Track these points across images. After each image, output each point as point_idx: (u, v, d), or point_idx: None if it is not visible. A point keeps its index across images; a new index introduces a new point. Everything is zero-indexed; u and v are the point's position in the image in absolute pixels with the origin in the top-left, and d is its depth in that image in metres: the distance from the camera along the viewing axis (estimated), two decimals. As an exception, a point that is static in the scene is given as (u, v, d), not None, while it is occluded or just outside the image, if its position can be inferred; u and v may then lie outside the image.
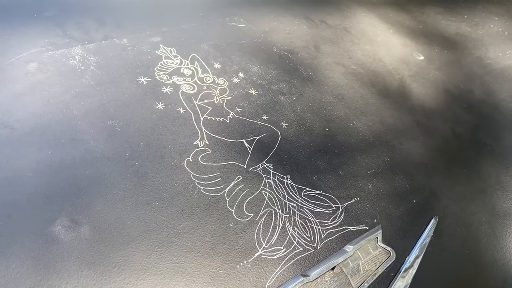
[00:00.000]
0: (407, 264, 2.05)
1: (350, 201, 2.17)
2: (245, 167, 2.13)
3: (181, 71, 2.55)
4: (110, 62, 2.48)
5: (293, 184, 2.12)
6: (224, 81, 2.56)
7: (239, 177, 2.09)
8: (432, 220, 2.25)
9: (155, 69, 2.52)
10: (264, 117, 2.39)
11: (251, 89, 2.56)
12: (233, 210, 1.97)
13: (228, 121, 2.32)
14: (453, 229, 2.25)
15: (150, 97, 2.35)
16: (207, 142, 2.20)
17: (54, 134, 2.05)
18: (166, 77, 2.49)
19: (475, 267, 2.17)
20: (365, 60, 3.13)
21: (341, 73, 2.91)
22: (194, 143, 2.17)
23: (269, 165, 2.17)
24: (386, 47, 3.38)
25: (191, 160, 2.09)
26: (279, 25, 3.17)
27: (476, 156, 2.72)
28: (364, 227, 2.09)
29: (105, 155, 2.01)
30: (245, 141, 2.25)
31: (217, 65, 2.65)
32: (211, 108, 2.37)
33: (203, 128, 2.25)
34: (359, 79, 2.91)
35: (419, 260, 2.08)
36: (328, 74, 2.86)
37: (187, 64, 2.60)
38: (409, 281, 1.99)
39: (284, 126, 2.39)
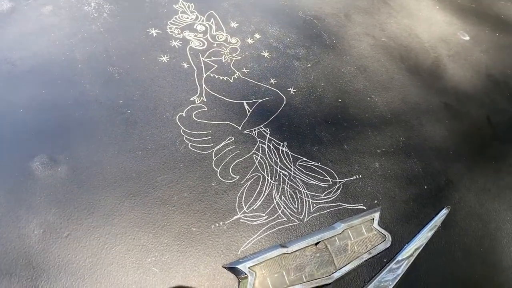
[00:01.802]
0: (404, 253, 1.85)
1: (350, 177, 2.01)
2: (239, 128, 2.01)
3: (194, 27, 2.45)
4: (124, 12, 2.43)
5: (289, 152, 1.98)
6: (237, 41, 2.43)
7: (231, 138, 1.99)
8: (444, 210, 2.02)
9: (168, 22, 2.44)
10: (272, 81, 2.24)
11: (264, 51, 2.41)
12: (218, 170, 1.88)
13: (231, 81, 2.21)
14: (467, 223, 2.01)
15: (156, 49, 2.28)
16: (205, 100, 2.10)
17: (53, 74, 2.05)
18: (178, 31, 2.41)
19: (488, 268, 1.93)
20: (400, 34, 2.85)
21: (369, 44, 2.67)
22: (191, 99, 2.08)
23: (267, 130, 2.05)
24: (427, 23, 3.06)
25: (184, 115, 2.01)
26: (310, -10, 2.95)
27: (512, 150, 2.39)
28: (362, 207, 1.93)
29: (98, 99, 1.99)
30: (246, 102, 2.13)
31: (233, 24, 2.52)
32: (216, 66, 2.26)
33: (204, 85, 2.15)
34: (388, 52, 2.65)
35: (419, 251, 1.86)
36: (354, 43, 2.63)
37: (202, 21, 2.50)
38: (403, 271, 1.78)
39: (291, 92, 2.23)
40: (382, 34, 2.83)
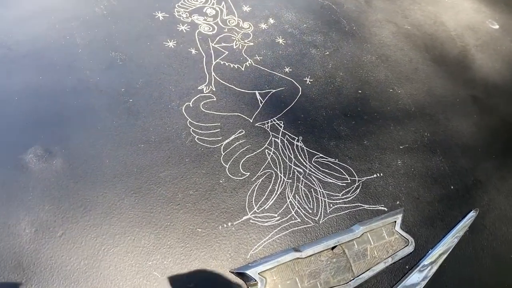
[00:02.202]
0: (428, 258, 1.72)
1: (370, 175, 1.86)
2: (251, 121, 1.85)
3: (204, 10, 2.28)
4: None
5: (304, 148, 1.82)
6: (250, 26, 2.25)
7: (242, 131, 1.83)
8: (471, 213, 1.86)
9: (176, 5, 2.28)
10: (287, 70, 2.07)
11: (279, 37, 2.23)
12: (227, 166, 1.73)
13: (243, 69, 2.03)
14: (497, 227, 1.85)
15: (163, 33, 2.12)
16: (214, 89, 1.93)
17: (51, 59, 1.92)
18: (186, 14, 2.24)
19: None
20: (424, 21, 2.64)
21: (391, 32, 2.47)
22: (199, 88, 1.92)
23: (280, 122, 1.88)
24: (453, 10, 2.85)
25: (191, 105, 1.85)
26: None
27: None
28: (382, 208, 1.77)
29: (99, 87, 1.84)
30: (258, 92, 1.95)
31: (246, 8, 2.34)
32: (227, 52, 2.09)
33: (213, 73, 1.98)
34: (412, 41, 2.45)
35: (445, 256, 1.70)
36: (375, 31, 2.44)
37: (213, 4, 2.33)
38: (427, 278, 1.61)
39: (308, 82, 2.05)
40: (405, 22, 2.62)
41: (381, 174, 1.86)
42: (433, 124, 2.10)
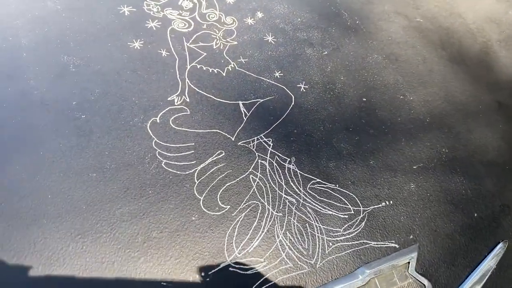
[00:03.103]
0: None
1: (378, 204, 1.59)
2: (233, 139, 1.53)
3: (179, 3, 1.94)
4: None
5: (298, 171, 1.52)
6: (234, 21, 1.90)
7: (221, 153, 1.51)
8: (499, 245, 1.60)
9: None
10: (277, 74, 1.73)
11: (268, 34, 1.88)
12: (202, 198, 1.44)
13: (224, 74, 1.70)
14: (531, 262, 1.52)
15: (128, 31, 1.78)
16: (187, 99, 1.59)
17: (-14, 66, 1.55)
18: (157, 8, 1.89)
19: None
20: (438, 13, 2.29)
21: (400, 26, 2.12)
22: (169, 99, 1.60)
23: (269, 140, 1.57)
24: (471, 0, 2.46)
25: (158, 121, 1.51)
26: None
27: None
28: (393, 245, 1.51)
29: (45, 101, 1.53)
30: (242, 103, 1.63)
31: (229, 0, 1.95)
32: (205, 54, 1.75)
33: (187, 80, 1.64)
34: (425, 36, 2.10)
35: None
36: (382, 25, 2.08)
37: None
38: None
39: (302, 88, 1.72)
40: (417, 13, 2.27)
41: (391, 202, 1.59)
42: (452, 138, 1.80)
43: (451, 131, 1.84)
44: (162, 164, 1.49)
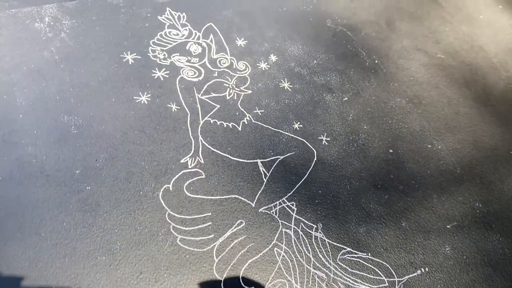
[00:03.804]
0: None
1: (413, 273, 1.49)
2: (253, 205, 1.38)
3: (187, 48, 1.79)
4: (90, 29, 1.77)
5: (326, 240, 1.39)
6: (246, 67, 1.76)
7: (241, 222, 1.38)
8: None
9: (151, 42, 1.77)
10: (296, 126, 1.60)
11: (284, 80, 1.75)
12: (223, 279, 1.26)
13: (240, 129, 1.56)
14: None
15: (134, 83, 1.63)
16: (202, 161, 1.45)
17: (-22, 131, 1.40)
18: (164, 54, 1.75)
19: None
20: (459, 46, 2.17)
21: (421, 63, 2.00)
22: (182, 161, 1.45)
23: (292, 204, 1.44)
24: (491, 29, 2.38)
25: (171, 189, 1.37)
26: (340, -11, 2.27)
27: None
28: None
29: (45, 170, 1.38)
30: (261, 162, 1.49)
31: (240, 42, 1.85)
32: (218, 106, 1.61)
33: (201, 138, 1.50)
34: (448, 74, 1.98)
35: None
36: (402, 64, 1.96)
37: (198, 38, 1.82)
38: None
39: (324, 141, 1.58)
40: (437, 48, 2.14)
41: (427, 269, 1.50)
42: (484, 189, 1.70)
43: (483, 182, 1.71)
44: (177, 241, 1.34)
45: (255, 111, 1.72)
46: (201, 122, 1.63)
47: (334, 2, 2.30)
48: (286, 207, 1.49)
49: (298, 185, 1.56)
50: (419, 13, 2.40)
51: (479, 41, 2.32)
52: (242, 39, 1.97)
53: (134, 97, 1.66)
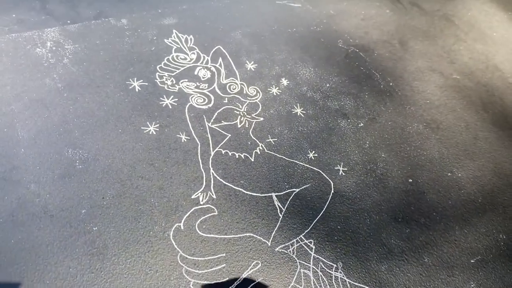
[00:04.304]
0: None
1: None
2: (269, 244, 1.31)
3: (196, 73, 1.72)
4: (94, 54, 1.70)
5: (347, 280, 1.35)
6: (257, 92, 1.69)
7: (257, 263, 1.31)
8: None
9: (158, 67, 1.69)
10: (311, 155, 1.53)
11: (296, 106, 1.69)
12: None
13: (253, 159, 1.49)
14: None
15: (141, 112, 1.55)
16: (214, 196, 1.38)
17: (-23, 168, 1.33)
18: (172, 80, 1.68)
19: None
20: (475, 66, 2.11)
21: (437, 85, 1.94)
22: (193, 196, 1.38)
23: (310, 242, 1.37)
24: (505, 47, 2.33)
25: (182, 227, 1.30)
26: (350, 7, 2.22)
27: None
28: None
29: (49, 210, 1.31)
30: (276, 195, 1.41)
31: (250, 65, 1.78)
32: (230, 135, 1.54)
33: (212, 170, 1.43)
34: (464, 96, 1.92)
35: None
36: (417, 86, 1.90)
37: (207, 62, 1.74)
38: None
39: (341, 172, 1.52)
40: (452, 69, 2.08)
41: None
42: (507, 220, 1.67)
43: (505, 212, 1.65)
44: (191, 285, 1.28)
45: (267, 140, 1.64)
46: (212, 153, 1.56)
47: (345, 21, 2.24)
48: (303, 245, 1.41)
49: (315, 220, 1.49)
50: (432, 31, 2.33)
51: (494, 60, 2.26)
52: (252, 62, 1.90)
53: (142, 128, 1.59)
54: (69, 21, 1.87)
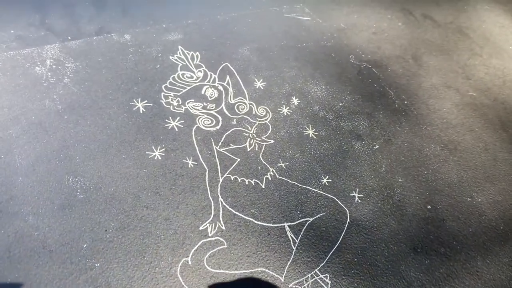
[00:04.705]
0: None
1: None
2: (282, 279, 1.26)
3: (203, 92, 1.64)
4: (96, 73, 1.61)
5: (365, 319, 1.18)
6: (267, 112, 1.61)
7: (271, 302, 1.19)
8: None
9: (163, 86, 1.61)
10: (325, 180, 1.45)
11: (308, 127, 1.61)
12: None
13: (263, 186, 1.40)
14: None
15: (145, 135, 1.47)
16: (223, 227, 1.29)
17: (-28, 199, 1.25)
18: (178, 101, 1.59)
19: None
20: (491, 82, 2.03)
21: (453, 103, 1.85)
22: (201, 228, 1.28)
23: (325, 276, 1.27)
24: (523, 61, 2.23)
25: (190, 262, 1.22)
26: (361, 20, 2.14)
27: None
28: None
29: (48, 245, 1.24)
30: (288, 226, 1.34)
31: (259, 83, 1.70)
32: (239, 159, 1.46)
33: (221, 198, 1.34)
34: (482, 115, 1.84)
35: None
36: (433, 104, 1.82)
37: (214, 80, 1.66)
38: None
39: (357, 198, 1.44)
40: (468, 85, 2.00)
41: None
42: None
43: (529, 239, 1.54)
44: (200, 330, 1.17)
45: (278, 164, 1.56)
46: (221, 180, 1.48)
47: (356, 35, 2.16)
48: (319, 280, 1.33)
49: (331, 253, 1.40)
50: (446, 45, 2.25)
51: (511, 75, 2.17)
52: (261, 80, 1.82)
53: (147, 152, 1.50)
54: (69, 37, 1.79)
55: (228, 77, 1.79)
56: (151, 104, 1.65)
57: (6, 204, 1.31)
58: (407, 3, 2.45)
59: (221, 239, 1.36)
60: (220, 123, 1.64)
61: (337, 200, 1.53)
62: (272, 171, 1.55)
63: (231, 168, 1.52)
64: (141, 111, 1.62)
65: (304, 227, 1.44)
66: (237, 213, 1.43)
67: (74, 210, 1.34)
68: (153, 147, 1.53)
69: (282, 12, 2.15)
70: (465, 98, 1.99)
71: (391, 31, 2.25)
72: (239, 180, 1.50)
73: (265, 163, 1.56)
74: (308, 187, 1.53)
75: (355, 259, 1.41)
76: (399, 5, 2.41)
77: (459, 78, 2.08)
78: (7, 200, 1.32)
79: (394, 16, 2.34)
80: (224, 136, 1.61)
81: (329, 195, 1.53)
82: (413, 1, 2.49)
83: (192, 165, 1.51)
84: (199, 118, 1.64)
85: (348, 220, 1.49)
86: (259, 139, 1.63)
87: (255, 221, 1.42)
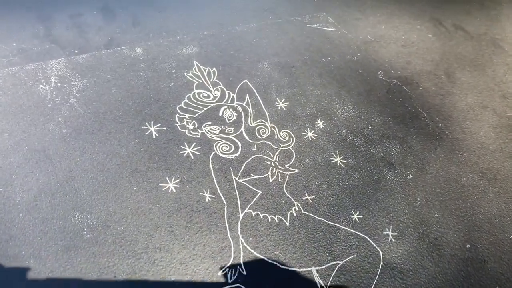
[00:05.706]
0: None
1: None
2: (311, 335, 1.07)
3: (221, 114, 1.49)
4: (105, 92, 1.47)
5: None
6: (290, 137, 1.47)
7: None
8: None
9: (178, 108, 1.46)
10: (355, 216, 1.31)
11: (335, 153, 1.47)
12: None
13: (288, 223, 1.27)
14: None
15: (159, 165, 1.33)
16: (244, 273, 1.17)
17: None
18: (193, 124, 1.45)
19: None
20: (530, 106, 1.87)
21: (490, 125, 1.70)
22: (220, 274, 1.13)
23: (358, 330, 1.10)
24: None
25: (208, 316, 1.06)
26: (389, 31, 1.98)
27: None
28: None
29: (51, 293, 1.04)
30: (316, 270, 1.20)
31: (281, 104, 1.55)
32: (260, 192, 1.29)
33: (241, 238, 1.21)
34: (523, 139, 1.67)
35: None
36: (469, 127, 1.66)
37: (233, 100, 1.51)
38: None
39: (390, 237, 1.30)
40: (506, 105, 1.84)
41: None
42: None
43: None
44: None
45: (304, 198, 1.41)
46: (241, 216, 1.33)
47: (384, 49, 2.01)
48: (351, 334, 1.18)
49: (363, 300, 1.24)
50: (480, 59, 2.09)
51: (552, 93, 2.01)
52: (283, 100, 1.67)
53: (160, 184, 1.36)
54: (76, 51, 1.65)
55: (247, 97, 1.64)
56: (165, 128, 1.51)
57: (5, 245, 1.19)
58: (436, 12, 2.28)
59: (242, 287, 1.22)
60: (240, 150, 1.49)
61: (369, 240, 1.38)
62: (297, 205, 1.41)
63: (252, 202, 1.38)
64: (154, 136, 1.48)
65: (334, 272, 1.30)
66: (259, 255, 1.29)
67: (80, 253, 1.20)
68: (167, 178, 1.39)
69: (304, 22, 1.99)
70: (502, 120, 1.83)
71: (421, 44, 2.08)
72: (261, 216, 1.36)
73: (289, 196, 1.42)
74: (337, 224, 1.39)
75: (390, 308, 1.27)
76: (428, 14, 2.24)
77: (496, 97, 1.92)
78: (6, 240, 1.19)
79: (423, 27, 2.17)
80: (244, 165, 1.46)
81: (361, 234, 1.39)
82: (442, 10, 2.32)
83: (210, 199, 1.37)
84: (216, 144, 1.49)
85: (382, 263, 1.35)
86: (282, 168, 1.48)
87: (280, 265, 1.28)
